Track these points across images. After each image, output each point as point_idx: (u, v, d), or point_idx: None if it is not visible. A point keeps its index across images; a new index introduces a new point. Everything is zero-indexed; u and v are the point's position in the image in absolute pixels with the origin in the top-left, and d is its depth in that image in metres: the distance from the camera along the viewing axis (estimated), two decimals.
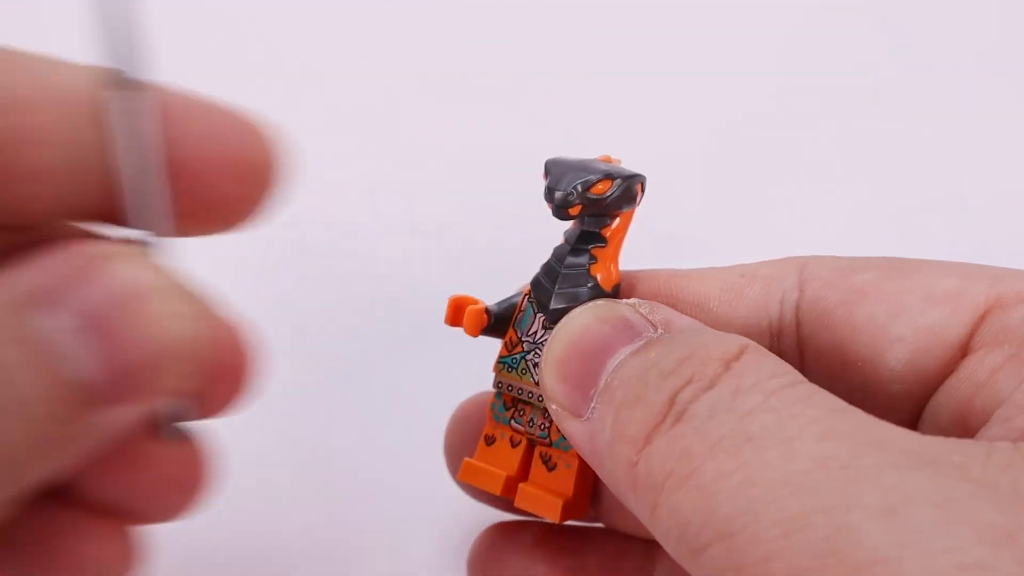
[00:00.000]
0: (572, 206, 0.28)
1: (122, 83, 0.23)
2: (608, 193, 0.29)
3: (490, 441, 0.32)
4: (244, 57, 0.53)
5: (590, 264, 0.30)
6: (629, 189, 0.29)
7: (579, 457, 0.29)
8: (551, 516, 0.30)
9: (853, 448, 0.20)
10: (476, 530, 0.33)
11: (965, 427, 0.25)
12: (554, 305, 0.30)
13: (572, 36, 0.54)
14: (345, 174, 0.47)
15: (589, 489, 0.31)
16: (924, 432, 0.25)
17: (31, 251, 0.23)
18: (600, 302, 0.27)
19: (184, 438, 0.26)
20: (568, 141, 0.48)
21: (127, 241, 0.24)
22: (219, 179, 0.25)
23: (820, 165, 0.50)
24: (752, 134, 0.51)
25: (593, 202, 0.29)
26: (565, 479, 0.30)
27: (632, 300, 0.27)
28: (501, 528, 0.32)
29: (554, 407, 0.26)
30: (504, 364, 0.31)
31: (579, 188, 0.28)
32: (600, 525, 0.33)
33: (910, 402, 0.27)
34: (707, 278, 0.30)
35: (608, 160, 0.30)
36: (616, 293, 0.30)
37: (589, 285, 0.29)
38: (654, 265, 0.32)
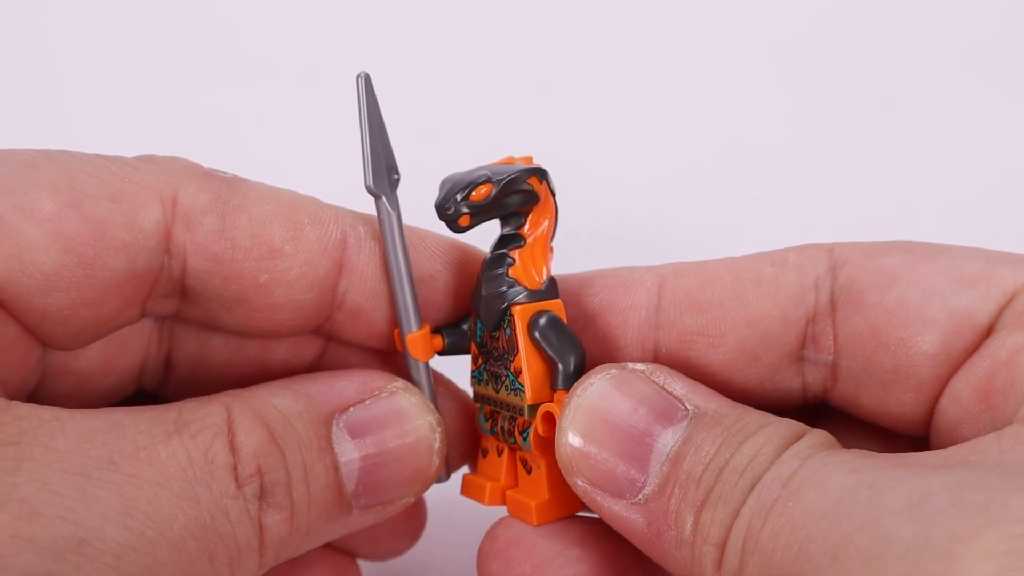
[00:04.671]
0: (459, 217, 0.29)
1: (385, 191, 0.29)
2: (490, 196, 0.29)
3: (484, 453, 0.32)
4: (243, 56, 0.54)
5: (508, 267, 0.30)
6: (515, 187, 0.29)
7: (546, 457, 0.30)
8: (528, 520, 0.30)
9: (878, 472, 0.22)
10: (471, 525, 0.33)
11: (986, 403, 0.26)
12: (483, 315, 0.30)
13: (578, 37, 0.55)
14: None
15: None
16: (945, 409, 0.28)
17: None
18: (613, 371, 0.28)
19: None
20: (573, 143, 0.49)
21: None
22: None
23: (819, 165, 0.51)
24: (753, 136, 0.52)
25: (481, 208, 0.29)
26: (539, 481, 0.30)
27: (641, 365, 0.28)
28: (513, 521, 0.32)
29: (581, 483, 0.27)
30: (474, 378, 0.31)
31: (458, 199, 0.29)
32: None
33: (937, 386, 0.28)
34: (739, 270, 0.30)
35: (510, 161, 0.30)
36: (549, 289, 0.30)
37: (509, 288, 0.30)
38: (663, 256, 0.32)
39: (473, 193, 0.29)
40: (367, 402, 0.29)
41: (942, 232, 0.31)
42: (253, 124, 0.52)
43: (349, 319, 0.31)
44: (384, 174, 0.29)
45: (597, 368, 0.28)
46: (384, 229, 0.30)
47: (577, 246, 0.33)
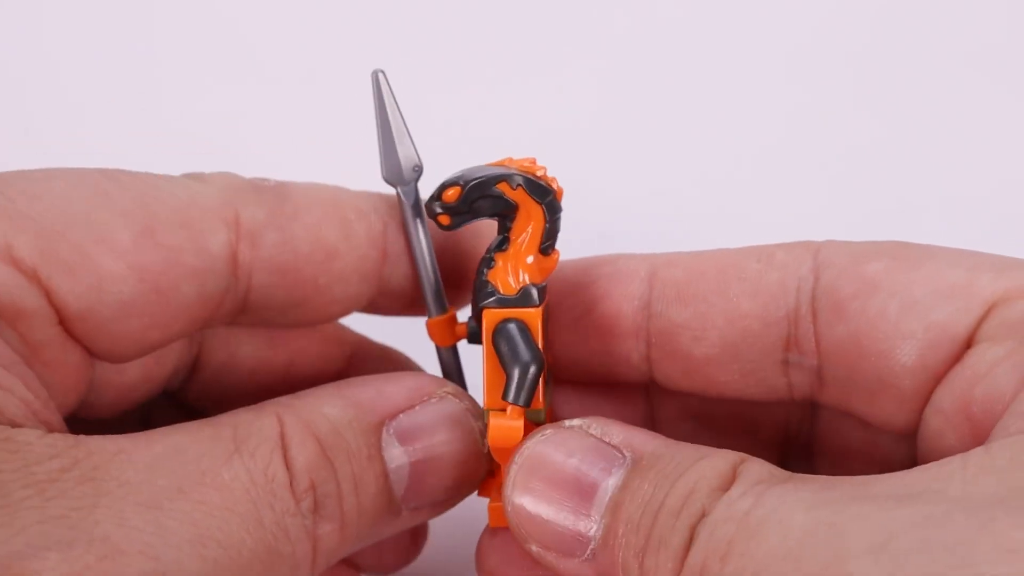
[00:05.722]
0: (437, 215, 0.29)
1: (402, 182, 0.30)
2: (459, 199, 0.29)
3: None
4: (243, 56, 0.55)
5: (488, 270, 0.30)
6: (482, 192, 0.29)
7: (501, 462, 0.29)
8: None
9: (839, 507, 0.21)
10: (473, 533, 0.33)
11: (967, 415, 0.26)
12: (472, 313, 0.30)
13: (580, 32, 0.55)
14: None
15: None
16: (928, 418, 0.27)
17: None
18: (548, 431, 0.27)
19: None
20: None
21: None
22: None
23: (818, 160, 0.51)
24: (756, 132, 0.52)
25: (453, 210, 0.29)
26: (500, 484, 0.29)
27: (577, 421, 0.27)
28: None
29: (535, 549, 0.26)
30: None
31: (434, 199, 0.29)
32: None
33: (920, 397, 0.27)
34: (725, 264, 0.30)
35: (507, 163, 0.30)
36: (523, 297, 0.29)
37: (484, 291, 0.29)
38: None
39: (444, 193, 0.29)
40: (417, 408, 0.29)
41: (942, 230, 0.30)
42: (265, 122, 0.53)
43: (391, 299, 0.32)
44: (399, 166, 0.30)
45: (534, 431, 0.28)
46: (405, 219, 0.31)
47: (580, 244, 0.33)
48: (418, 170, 0.31)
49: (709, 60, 0.53)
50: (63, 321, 0.26)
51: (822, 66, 0.52)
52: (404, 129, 0.30)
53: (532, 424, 0.29)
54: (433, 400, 0.29)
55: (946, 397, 0.27)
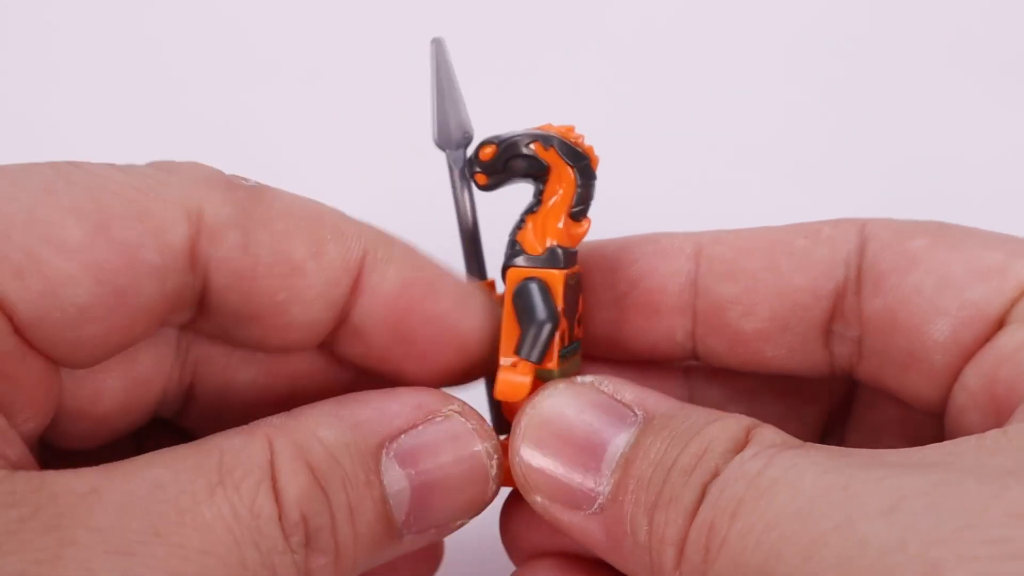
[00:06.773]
0: (474, 175, 0.30)
1: (451, 146, 0.31)
2: (494, 157, 0.30)
3: None
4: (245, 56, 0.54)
5: (518, 230, 0.30)
6: (516, 151, 0.29)
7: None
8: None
9: (851, 472, 0.22)
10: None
11: (991, 394, 0.26)
12: (503, 275, 0.30)
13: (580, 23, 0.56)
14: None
15: None
16: (955, 394, 0.28)
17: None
18: (560, 385, 0.27)
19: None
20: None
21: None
22: None
23: (822, 154, 0.52)
24: (754, 124, 0.52)
25: (489, 169, 0.30)
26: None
27: (589, 377, 0.28)
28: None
29: (539, 500, 0.26)
30: None
31: (472, 158, 0.30)
32: None
33: (949, 373, 0.28)
34: (773, 241, 0.31)
35: (547, 128, 0.30)
36: (549, 258, 0.29)
37: (512, 251, 0.30)
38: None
39: (481, 152, 0.30)
40: (420, 427, 0.27)
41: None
42: (278, 120, 0.53)
43: (361, 345, 0.29)
44: (450, 130, 0.31)
45: (545, 385, 0.28)
46: (453, 183, 0.31)
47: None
48: (468, 136, 0.31)
49: (728, 56, 0.54)
50: (17, 331, 0.24)
51: (840, 61, 0.53)
52: (459, 96, 0.31)
53: (542, 384, 0.29)
54: (438, 419, 0.28)
55: (973, 375, 0.27)
